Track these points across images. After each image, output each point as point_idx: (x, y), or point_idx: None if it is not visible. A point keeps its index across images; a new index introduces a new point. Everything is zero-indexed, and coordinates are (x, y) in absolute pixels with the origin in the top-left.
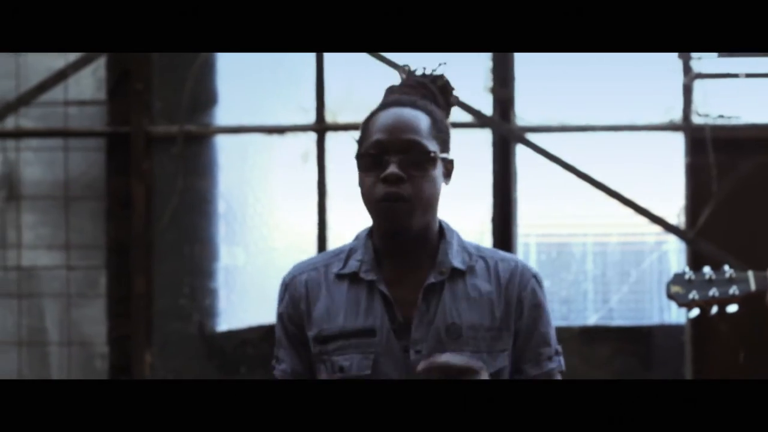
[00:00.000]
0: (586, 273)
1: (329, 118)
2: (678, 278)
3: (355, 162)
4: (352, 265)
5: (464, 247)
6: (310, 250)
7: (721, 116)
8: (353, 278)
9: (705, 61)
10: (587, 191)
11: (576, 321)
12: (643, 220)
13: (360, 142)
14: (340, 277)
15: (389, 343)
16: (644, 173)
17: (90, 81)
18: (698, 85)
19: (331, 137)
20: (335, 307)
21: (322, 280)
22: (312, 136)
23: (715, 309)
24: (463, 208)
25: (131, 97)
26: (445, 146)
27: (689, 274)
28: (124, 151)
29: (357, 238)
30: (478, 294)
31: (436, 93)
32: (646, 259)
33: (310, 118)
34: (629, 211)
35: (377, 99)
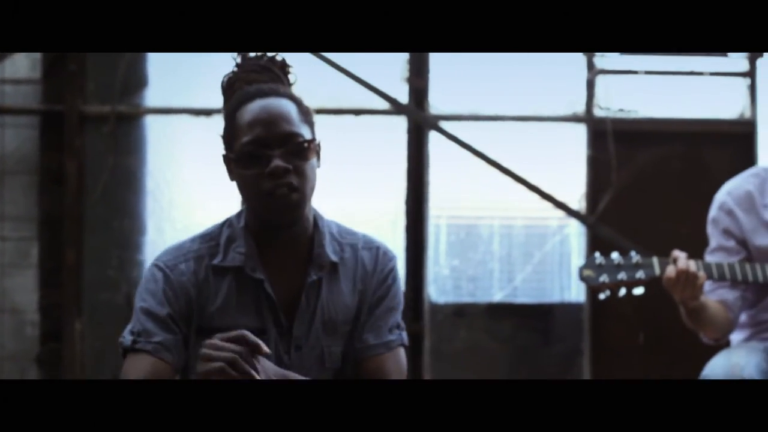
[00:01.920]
0: (492, 253)
1: None
2: (589, 262)
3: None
4: (235, 258)
5: (333, 235)
6: None
7: (621, 110)
8: (237, 273)
9: (607, 58)
10: (495, 177)
11: (482, 298)
12: (546, 205)
13: (229, 136)
14: (222, 269)
15: (276, 343)
16: (549, 161)
17: (25, 61)
18: (600, 80)
19: None
20: (225, 302)
21: (209, 271)
22: None
23: (623, 291)
24: (378, 190)
25: (65, 77)
26: (313, 130)
27: (600, 259)
28: (57, 129)
29: (229, 225)
30: (350, 287)
31: (279, 74)
32: (549, 242)
33: None
34: (534, 197)
35: (300, 83)
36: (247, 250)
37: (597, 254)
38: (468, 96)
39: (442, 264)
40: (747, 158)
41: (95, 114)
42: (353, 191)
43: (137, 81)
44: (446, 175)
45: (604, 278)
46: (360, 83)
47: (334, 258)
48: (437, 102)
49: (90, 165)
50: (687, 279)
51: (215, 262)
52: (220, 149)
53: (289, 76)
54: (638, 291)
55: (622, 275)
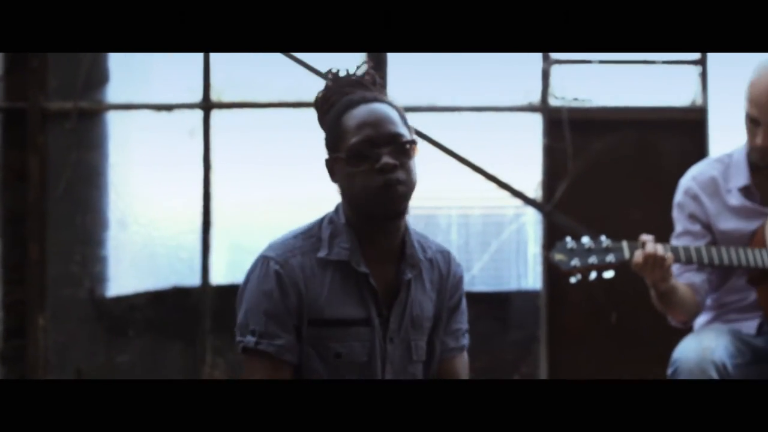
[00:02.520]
0: (450, 242)
1: (214, 96)
2: (560, 247)
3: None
4: (341, 252)
5: (416, 236)
6: (194, 221)
7: (576, 99)
8: (342, 267)
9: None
10: (453, 167)
11: None
12: (503, 194)
13: (335, 140)
14: (327, 263)
15: (378, 333)
16: (505, 151)
17: None
18: (555, 70)
19: (216, 115)
20: (332, 294)
21: (315, 265)
22: (198, 114)
23: (593, 275)
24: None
25: (27, 74)
26: (411, 132)
27: (571, 243)
28: (20, 126)
29: (330, 221)
30: (430, 286)
31: (370, 87)
32: (506, 230)
33: (197, 96)
34: (491, 186)
35: (260, 79)
36: (351, 245)
37: (568, 239)
38: (425, 87)
39: None
40: (699, 145)
41: (57, 110)
42: (315, 182)
43: (99, 77)
44: None
45: (575, 262)
46: (318, 75)
47: (423, 259)
48: (395, 94)
49: (52, 161)
50: (655, 262)
51: (321, 255)
52: (181, 144)
53: (381, 88)
54: (608, 274)
55: (593, 259)
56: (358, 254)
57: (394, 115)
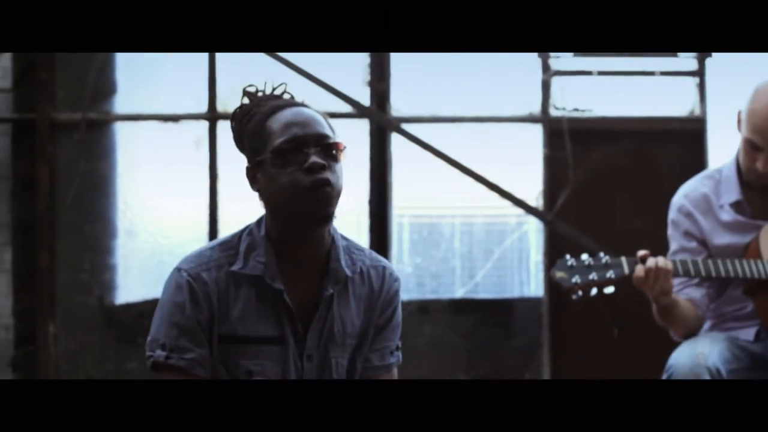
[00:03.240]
0: (454, 250)
1: (220, 107)
2: (561, 265)
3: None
4: (255, 267)
5: (345, 249)
6: (201, 230)
7: (576, 110)
8: (256, 281)
9: (562, 60)
10: (456, 176)
11: (445, 294)
12: (505, 203)
13: (259, 144)
14: (241, 276)
15: (293, 350)
16: (507, 161)
17: None
18: (556, 81)
19: (222, 125)
20: (245, 310)
21: (229, 279)
22: (204, 124)
23: (594, 291)
24: (343, 191)
25: (36, 86)
26: (336, 138)
27: (571, 260)
28: (29, 137)
29: (250, 233)
30: (357, 301)
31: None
32: (508, 238)
33: (203, 107)
34: (493, 195)
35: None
36: (267, 260)
37: (568, 256)
38: (428, 98)
39: (405, 262)
40: (697, 154)
41: (66, 121)
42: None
43: (106, 88)
44: (408, 175)
45: (576, 279)
46: (323, 87)
47: (348, 273)
48: (398, 105)
49: (61, 171)
50: (657, 275)
51: (235, 268)
52: (188, 154)
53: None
54: (609, 290)
55: (593, 275)
56: (274, 269)
57: (320, 118)
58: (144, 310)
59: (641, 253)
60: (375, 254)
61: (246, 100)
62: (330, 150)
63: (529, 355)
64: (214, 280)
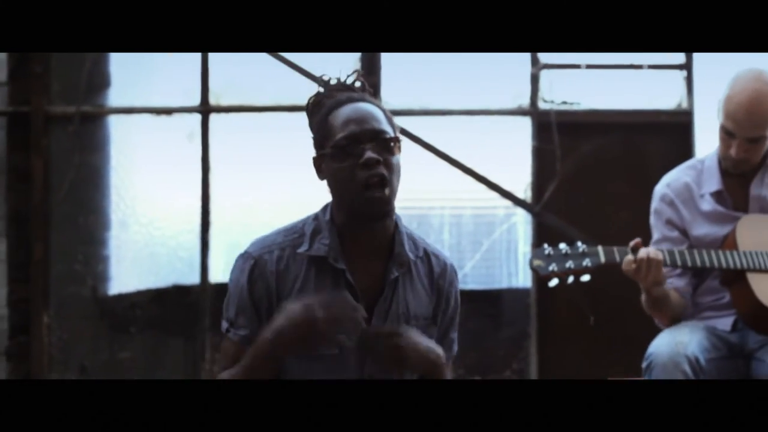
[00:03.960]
0: (443, 242)
1: (213, 100)
2: (538, 253)
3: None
4: (319, 248)
5: (409, 236)
6: (193, 221)
7: (565, 102)
8: (320, 261)
9: (550, 53)
10: (445, 168)
11: None
12: (494, 195)
13: (322, 138)
14: (306, 258)
15: None
16: (496, 153)
17: None
18: (544, 74)
19: (214, 118)
20: (305, 289)
21: (291, 260)
22: (197, 118)
23: (571, 279)
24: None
25: (31, 79)
26: (396, 131)
27: (548, 249)
28: (24, 129)
29: (316, 218)
30: (420, 286)
31: (359, 92)
32: (497, 230)
33: (195, 100)
34: (482, 187)
35: (257, 83)
36: (331, 242)
37: (545, 245)
38: (418, 91)
39: None
40: (684, 147)
41: (60, 114)
42: (312, 185)
43: (101, 82)
44: None
45: (553, 267)
46: (314, 80)
47: (411, 257)
48: (389, 98)
49: (56, 163)
50: (649, 265)
51: (301, 250)
52: (180, 147)
53: (370, 94)
54: (585, 278)
55: (570, 264)
56: (338, 250)
57: (378, 113)
58: (136, 300)
59: (633, 242)
60: (436, 248)
61: (321, 89)
62: (386, 144)
63: (516, 345)
64: (275, 261)
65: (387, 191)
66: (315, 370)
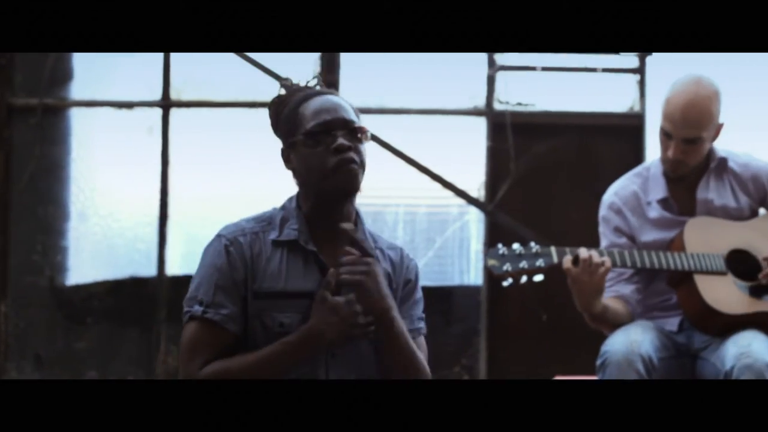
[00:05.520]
0: (397, 238)
1: (173, 95)
2: (493, 253)
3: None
4: (289, 233)
5: (368, 230)
6: (152, 214)
7: (520, 104)
8: (291, 246)
9: (506, 55)
10: (400, 166)
11: None
12: (448, 194)
13: (292, 128)
14: (277, 243)
15: None
16: (451, 152)
17: None
18: (500, 75)
19: (174, 113)
20: (278, 269)
21: (263, 244)
22: (158, 112)
23: (524, 278)
24: (289, 179)
25: None
26: (361, 122)
27: (502, 249)
28: None
29: (283, 208)
30: (381, 270)
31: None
32: (450, 228)
33: (157, 95)
34: (436, 185)
35: (217, 79)
36: (300, 227)
37: (500, 245)
38: (375, 90)
39: None
40: (636, 149)
41: (23, 106)
42: (269, 181)
43: (63, 75)
44: None
45: (507, 267)
46: (274, 78)
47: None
48: (346, 96)
49: (17, 155)
50: (591, 267)
51: (271, 237)
52: (141, 140)
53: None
54: (538, 278)
55: (523, 264)
56: (307, 234)
57: (347, 105)
58: (94, 291)
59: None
60: (389, 241)
61: (283, 91)
62: (355, 133)
63: (466, 341)
64: (249, 244)
65: (356, 167)
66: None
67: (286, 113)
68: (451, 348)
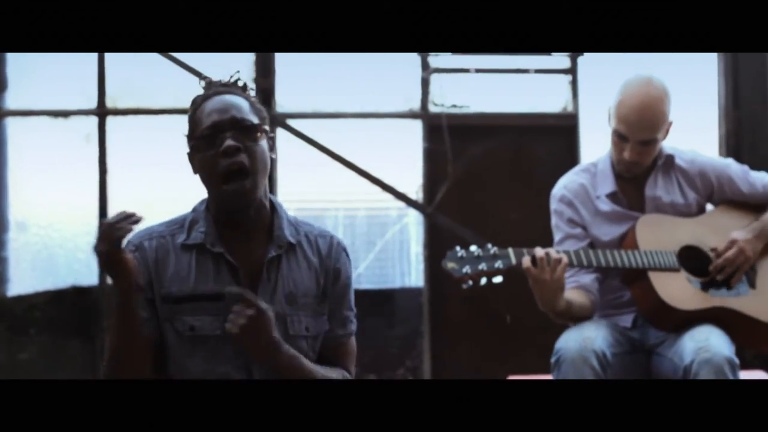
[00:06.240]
0: None
1: (109, 103)
2: (451, 255)
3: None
4: (197, 236)
5: (290, 221)
6: (91, 223)
7: (455, 106)
8: (199, 249)
9: (441, 58)
10: (339, 170)
11: None
12: (387, 196)
13: (191, 132)
14: (185, 247)
15: None
16: (388, 155)
17: None
18: (435, 78)
19: (111, 121)
20: (185, 273)
21: (170, 247)
22: (94, 120)
23: (484, 280)
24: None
25: None
26: (264, 122)
27: (461, 252)
28: None
29: (194, 210)
30: (306, 265)
31: (238, 92)
32: (390, 231)
33: (92, 103)
34: (375, 188)
35: (152, 86)
36: (207, 229)
37: (458, 248)
38: (311, 95)
39: None
40: (570, 149)
41: None
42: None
43: None
44: (293, 169)
45: (466, 269)
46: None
47: (291, 240)
48: (283, 101)
49: None
50: (549, 263)
51: (179, 241)
52: (78, 149)
53: (249, 91)
54: (497, 280)
55: (482, 266)
56: (214, 236)
57: (242, 103)
58: (35, 301)
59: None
60: (324, 228)
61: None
62: (247, 131)
63: (410, 343)
64: (154, 249)
65: (248, 183)
66: (198, 351)
67: (189, 115)
68: (394, 350)
